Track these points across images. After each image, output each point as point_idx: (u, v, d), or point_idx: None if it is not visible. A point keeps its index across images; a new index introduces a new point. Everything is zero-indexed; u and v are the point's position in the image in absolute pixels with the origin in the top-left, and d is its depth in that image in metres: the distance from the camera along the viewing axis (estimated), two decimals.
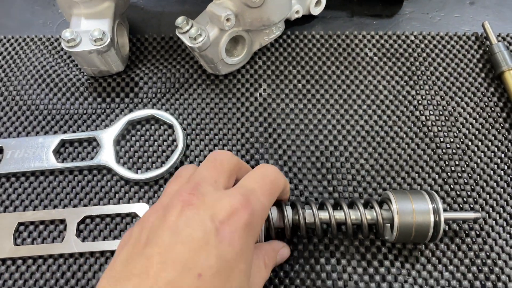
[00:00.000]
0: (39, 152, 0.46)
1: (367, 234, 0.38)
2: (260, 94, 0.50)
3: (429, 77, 0.50)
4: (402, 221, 0.36)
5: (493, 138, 0.46)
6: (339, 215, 0.38)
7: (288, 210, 0.38)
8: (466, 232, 0.42)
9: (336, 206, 0.39)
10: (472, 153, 0.46)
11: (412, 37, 0.53)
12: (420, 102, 0.49)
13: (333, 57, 0.52)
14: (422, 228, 0.36)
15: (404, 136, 0.47)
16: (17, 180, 0.46)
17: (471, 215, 0.38)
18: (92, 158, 0.46)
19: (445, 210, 0.37)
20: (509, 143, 0.46)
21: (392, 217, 0.37)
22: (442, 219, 0.36)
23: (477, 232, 0.42)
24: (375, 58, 0.52)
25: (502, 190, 0.44)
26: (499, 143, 0.46)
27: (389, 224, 0.38)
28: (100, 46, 0.45)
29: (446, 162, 0.45)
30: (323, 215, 0.38)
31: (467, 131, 0.47)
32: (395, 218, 0.36)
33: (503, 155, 0.45)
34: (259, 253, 0.35)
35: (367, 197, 0.40)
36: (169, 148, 0.47)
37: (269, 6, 0.45)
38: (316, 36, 0.54)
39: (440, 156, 0.45)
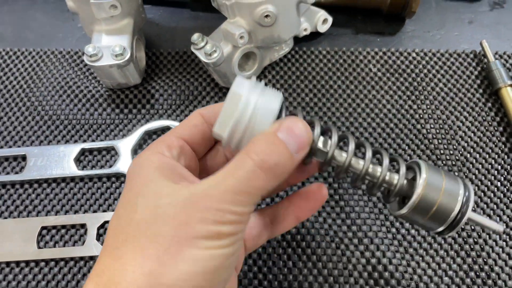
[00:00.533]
0: (60, 160, 0.49)
1: (375, 192, 0.32)
2: None
3: (429, 92, 0.53)
4: (426, 194, 0.30)
5: (490, 150, 0.49)
6: (355, 161, 0.31)
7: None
8: (465, 239, 0.44)
9: (359, 147, 0.32)
10: (471, 165, 0.48)
11: (413, 54, 0.56)
12: (421, 116, 0.51)
13: (338, 72, 0.55)
14: (444, 211, 0.30)
15: (407, 148, 0.49)
16: (39, 186, 0.48)
17: (494, 225, 0.32)
18: (110, 166, 0.49)
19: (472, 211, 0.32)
20: (506, 156, 0.49)
21: (414, 186, 0.31)
22: (469, 211, 0.30)
23: (475, 240, 0.44)
24: (379, 74, 0.55)
25: (498, 200, 0.46)
26: (496, 155, 0.49)
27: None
28: (121, 61, 0.48)
29: None
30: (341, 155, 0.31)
31: (465, 144, 0.49)
32: (420, 187, 0.30)
33: (499, 167, 0.48)
34: None
35: (395, 155, 0.35)
36: None
37: (280, 25, 0.48)
38: (323, 52, 0.56)
39: (440, 167, 0.48)
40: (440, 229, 0.31)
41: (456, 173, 0.48)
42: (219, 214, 0.25)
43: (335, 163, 0.31)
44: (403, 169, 0.31)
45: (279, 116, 0.29)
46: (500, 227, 0.32)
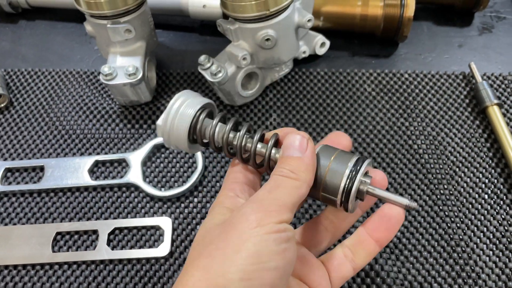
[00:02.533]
0: (75, 171, 0.53)
1: (254, 165, 0.36)
2: (271, 123, 0.56)
3: (420, 111, 0.56)
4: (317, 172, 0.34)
5: (478, 165, 0.52)
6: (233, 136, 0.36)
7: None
8: (453, 248, 0.47)
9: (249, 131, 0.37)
10: (459, 178, 0.51)
11: (406, 75, 0.60)
12: (412, 132, 0.55)
13: (335, 92, 0.59)
14: (333, 186, 0.33)
15: (398, 162, 0.52)
16: (55, 195, 0.52)
17: (403, 200, 0.33)
18: (122, 177, 0.53)
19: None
20: (492, 170, 0.51)
21: None
22: (355, 187, 0.33)
23: (463, 249, 0.47)
24: (373, 93, 0.58)
25: (486, 211, 0.49)
26: (483, 169, 0.52)
27: None
28: (134, 80, 0.52)
29: (436, 186, 0.51)
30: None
31: (454, 159, 0.52)
32: None
33: (487, 180, 0.51)
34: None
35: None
36: (190, 169, 0.53)
37: (280, 48, 0.52)
38: (321, 73, 0.60)
39: (430, 181, 0.51)
40: (338, 200, 0.34)
41: (445, 186, 0.50)
42: (268, 213, 0.30)
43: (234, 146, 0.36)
44: (271, 142, 0.36)
45: (213, 117, 0.37)
46: (412, 204, 0.33)
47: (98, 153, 0.55)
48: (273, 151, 0.36)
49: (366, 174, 0.35)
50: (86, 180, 0.52)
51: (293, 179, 0.32)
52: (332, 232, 0.39)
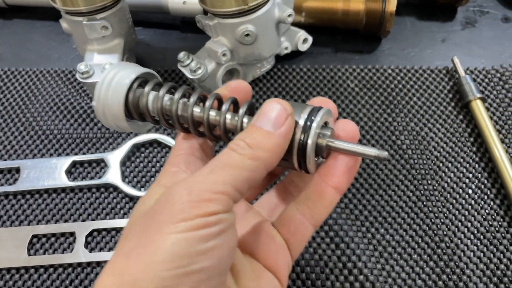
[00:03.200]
0: (52, 171, 0.52)
1: (210, 135, 0.31)
2: None
3: (404, 106, 0.56)
4: None
5: (461, 160, 0.51)
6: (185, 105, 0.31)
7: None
8: (438, 244, 0.46)
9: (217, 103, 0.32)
10: (443, 173, 0.51)
11: (389, 71, 0.59)
12: (395, 128, 0.54)
13: (318, 88, 0.58)
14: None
15: None
16: (32, 197, 0.51)
17: (371, 151, 0.28)
18: (100, 177, 0.51)
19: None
20: (476, 164, 0.51)
21: None
22: (310, 141, 0.28)
23: (447, 244, 0.46)
24: (356, 89, 0.58)
25: (470, 206, 0.48)
26: (467, 164, 0.51)
27: None
28: None
29: (420, 181, 0.50)
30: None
31: (438, 154, 0.52)
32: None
33: (470, 175, 0.50)
34: None
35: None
36: None
37: (260, 43, 0.51)
38: (304, 69, 0.60)
39: (414, 176, 0.50)
40: (294, 160, 0.29)
41: (429, 181, 0.50)
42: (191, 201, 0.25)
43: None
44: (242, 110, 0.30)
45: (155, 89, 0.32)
46: (383, 153, 0.28)
47: (75, 153, 0.53)
48: (228, 115, 0.30)
49: (325, 125, 0.30)
50: (63, 181, 0.51)
51: (249, 157, 0.26)
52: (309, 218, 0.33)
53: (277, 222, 0.33)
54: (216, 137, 0.32)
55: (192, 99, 0.31)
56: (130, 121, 0.33)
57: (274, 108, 0.28)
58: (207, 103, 0.30)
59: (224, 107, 0.30)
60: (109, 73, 0.32)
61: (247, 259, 0.31)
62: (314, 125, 0.28)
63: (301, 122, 0.28)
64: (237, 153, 0.26)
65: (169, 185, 0.27)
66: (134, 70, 0.32)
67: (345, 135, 0.31)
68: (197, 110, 0.31)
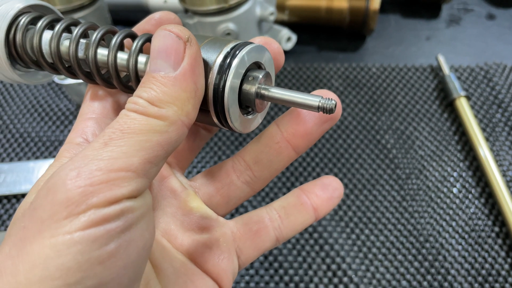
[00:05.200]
0: (30, 175, 0.50)
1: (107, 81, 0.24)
2: None
3: (388, 105, 0.55)
4: None
5: (446, 159, 0.51)
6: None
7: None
8: (422, 244, 0.46)
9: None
10: (428, 173, 0.50)
11: (373, 69, 0.58)
12: (380, 127, 0.53)
13: (302, 87, 0.57)
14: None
15: (366, 158, 0.51)
16: (8, 201, 0.49)
17: (313, 100, 0.22)
18: None
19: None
20: (461, 163, 0.51)
21: None
22: (228, 83, 0.21)
23: (432, 244, 0.46)
24: (340, 88, 0.57)
25: (454, 205, 0.48)
26: (452, 163, 0.51)
27: None
28: None
29: (404, 181, 0.49)
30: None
31: (423, 153, 0.51)
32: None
33: (455, 174, 0.50)
34: None
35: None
36: None
37: None
38: (288, 68, 0.59)
39: (399, 176, 0.50)
40: (212, 113, 0.23)
41: (413, 180, 0.49)
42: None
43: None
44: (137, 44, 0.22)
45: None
46: (316, 100, 0.22)
47: (53, 156, 0.52)
48: (141, 59, 0.22)
49: (259, 68, 0.24)
50: None
51: (153, 116, 0.19)
52: (249, 180, 0.28)
53: (238, 218, 0.28)
54: (131, 89, 0.24)
55: (95, 36, 0.23)
56: (24, 71, 0.26)
57: (164, 39, 0.20)
58: (113, 41, 0.22)
59: (134, 46, 0.22)
60: None
61: (180, 259, 0.25)
62: (235, 62, 0.21)
63: (219, 60, 0.21)
64: (138, 113, 0.19)
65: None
66: (22, 0, 0.24)
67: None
68: (101, 52, 0.23)
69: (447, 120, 0.54)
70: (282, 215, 0.28)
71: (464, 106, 0.53)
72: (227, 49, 0.21)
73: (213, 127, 0.25)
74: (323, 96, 0.22)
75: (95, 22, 0.51)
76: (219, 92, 0.21)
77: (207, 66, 0.22)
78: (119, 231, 0.18)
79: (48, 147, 0.53)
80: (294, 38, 0.59)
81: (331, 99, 0.22)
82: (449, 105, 0.55)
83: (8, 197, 0.49)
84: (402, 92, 0.56)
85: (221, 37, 0.23)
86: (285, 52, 0.60)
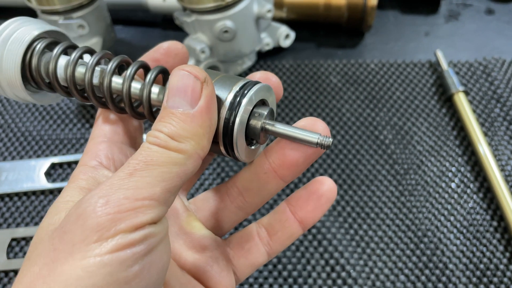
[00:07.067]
0: (31, 174, 0.51)
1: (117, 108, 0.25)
2: None
3: (386, 100, 0.55)
4: None
5: (444, 154, 0.51)
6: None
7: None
8: (420, 238, 0.46)
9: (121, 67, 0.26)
10: (426, 168, 0.50)
11: (372, 65, 0.59)
12: (378, 123, 0.54)
13: (301, 84, 0.57)
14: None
15: (365, 153, 0.51)
16: (10, 199, 0.50)
17: (314, 137, 0.24)
18: None
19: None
20: (459, 158, 0.51)
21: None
22: (238, 120, 0.23)
23: (430, 239, 0.46)
24: (339, 84, 0.57)
25: (452, 200, 0.48)
26: (450, 158, 0.51)
27: None
28: None
29: (402, 176, 0.50)
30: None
31: (421, 148, 0.52)
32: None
33: (453, 169, 0.50)
34: None
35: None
36: None
37: (240, 40, 0.51)
38: (286, 65, 0.59)
39: (397, 171, 0.50)
40: (220, 142, 0.24)
41: (412, 176, 0.50)
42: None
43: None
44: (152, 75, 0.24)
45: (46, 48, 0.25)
46: (315, 137, 0.24)
47: (55, 155, 0.53)
48: (154, 89, 0.24)
49: (264, 104, 0.26)
50: (42, 183, 0.50)
51: (173, 150, 0.21)
52: (241, 205, 0.29)
53: (232, 237, 0.30)
54: (142, 115, 0.26)
55: (111, 65, 0.24)
56: (34, 91, 0.27)
57: (182, 78, 0.22)
58: (128, 71, 0.24)
59: (148, 77, 0.24)
60: (6, 28, 0.25)
61: (185, 276, 0.27)
62: (244, 100, 0.23)
63: (230, 98, 0.23)
64: (160, 146, 0.21)
65: (88, 187, 0.23)
66: (38, 26, 0.26)
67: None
68: (116, 80, 0.24)
69: (445, 115, 0.54)
70: (270, 231, 0.29)
71: (462, 101, 0.53)
72: (236, 87, 0.24)
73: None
74: (321, 134, 0.24)
75: (94, 21, 0.52)
76: (229, 127, 0.23)
77: (218, 102, 0.23)
78: (143, 254, 0.19)
79: (49, 146, 0.53)
80: (292, 35, 0.59)
81: (329, 137, 0.24)
82: (447, 100, 0.55)
83: (10, 195, 0.50)
84: (400, 88, 0.57)
85: (231, 74, 0.25)
86: (284, 49, 0.61)
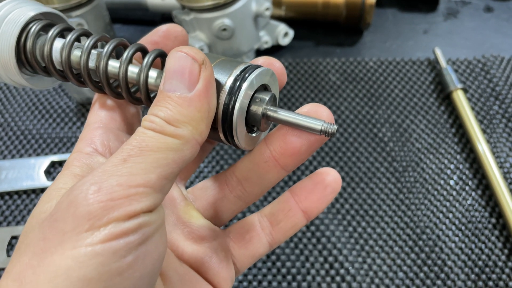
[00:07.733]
0: (31, 172, 0.51)
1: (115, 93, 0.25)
2: None
3: (385, 99, 0.55)
4: None
5: (443, 151, 0.51)
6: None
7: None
8: (419, 236, 0.46)
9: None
10: (424, 165, 0.50)
11: (371, 63, 0.59)
12: (377, 120, 0.54)
13: (300, 82, 0.58)
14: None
15: (364, 151, 0.52)
16: (10, 198, 0.50)
17: (318, 124, 0.23)
18: None
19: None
20: (458, 156, 0.51)
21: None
22: (238, 105, 0.22)
23: (429, 236, 0.46)
24: (338, 82, 0.57)
25: (451, 197, 0.48)
26: (448, 155, 0.51)
27: None
28: None
29: (401, 174, 0.50)
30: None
31: (420, 146, 0.52)
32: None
33: (452, 166, 0.50)
34: None
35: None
36: None
37: (238, 38, 0.51)
38: (285, 63, 0.59)
39: (396, 169, 0.50)
40: (220, 131, 0.24)
41: (410, 173, 0.50)
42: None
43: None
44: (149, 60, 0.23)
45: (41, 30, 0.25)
46: (319, 124, 0.23)
47: (54, 153, 0.53)
48: (152, 73, 0.23)
49: (266, 89, 0.25)
50: (42, 181, 0.50)
51: (170, 135, 0.20)
52: (240, 195, 0.28)
53: (232, 227, 0.29)
54: (139, 101, 0.25)
55: (107, 48, 0.23)
56: (30, 75, 0.26)
57: (180, 60, 0.21)
58: (125, 54, 0.23)
59: (145, 61, 0.23)
60: (1, 9, 0.24)
61: (183, 267, 0.26)
62: (244, 85, 0.22)
63: (229, 82, 0.22)
64: (155, 131, 0.20)
65: (82, 173, 0.22)
66: (34, 8, 0.25)
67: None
68: (112, 63, 0.23)
69: (443, 113, 0.54)
70: (273, 221, 0.28)
71: (461, 99, 0.53)
72: (237, 71, 0.22)
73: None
74: (325, 121, 0.23)
75: (93, 20, 0.52)
76: (228, 112, 0.22)
77: (218, 86, 0.22)
78: (137, 243, 0.19)
79: (48, 144, 0.53)
80: (291, 33, 0.59)
81: (333, 124, 0.23)
82: (446, 98, 0.55)
83: (10, 194, 0.50)
84: (399, 86, 0.57)
85: (231, 58, 0.24)
86: (282, 48, 0.61)
